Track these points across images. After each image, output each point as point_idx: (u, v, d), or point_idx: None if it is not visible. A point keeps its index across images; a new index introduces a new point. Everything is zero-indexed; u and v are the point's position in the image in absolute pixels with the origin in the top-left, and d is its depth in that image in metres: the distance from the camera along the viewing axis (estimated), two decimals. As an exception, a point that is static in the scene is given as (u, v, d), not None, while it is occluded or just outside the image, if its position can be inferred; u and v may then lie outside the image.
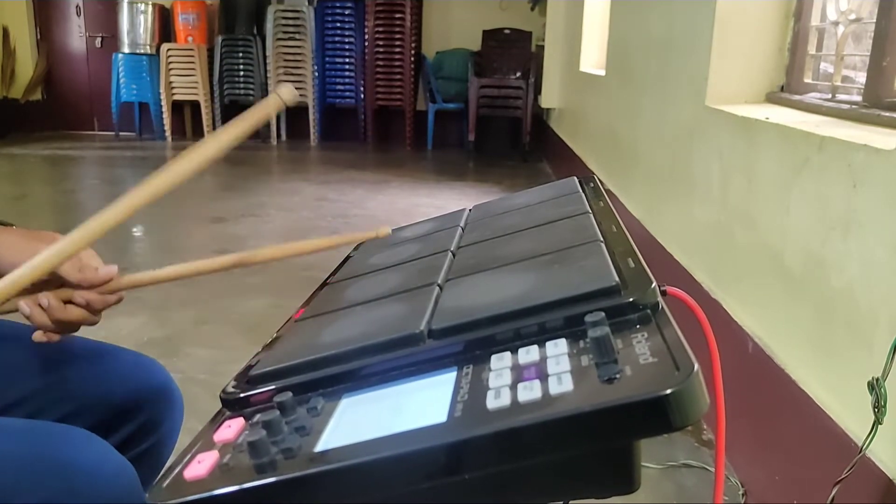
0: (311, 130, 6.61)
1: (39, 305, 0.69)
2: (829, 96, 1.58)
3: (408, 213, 3.95)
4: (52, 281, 0.70)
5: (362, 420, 0.45)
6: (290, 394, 0.47)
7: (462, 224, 0.81)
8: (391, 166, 5.60)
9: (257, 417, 0.49)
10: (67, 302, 0.71)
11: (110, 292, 0.73)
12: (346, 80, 6.67)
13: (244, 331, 2.30)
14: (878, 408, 0.94)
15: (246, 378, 0.54)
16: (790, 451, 1.31)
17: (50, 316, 0.70)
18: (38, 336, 0.71)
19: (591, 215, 0.69)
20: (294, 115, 6.62)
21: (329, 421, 0.46)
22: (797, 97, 1.69)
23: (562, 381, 0.40)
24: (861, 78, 1.48)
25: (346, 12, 6.45)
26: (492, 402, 0.41)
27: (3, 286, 0.61)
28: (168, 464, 0.48)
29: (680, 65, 2.13)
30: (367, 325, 0.56)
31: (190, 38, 6.41)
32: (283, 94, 0.67)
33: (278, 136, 6.71)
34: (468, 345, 0.49)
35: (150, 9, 6.40)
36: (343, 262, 0.83)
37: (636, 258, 0.54)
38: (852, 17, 1.53)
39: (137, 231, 3.75)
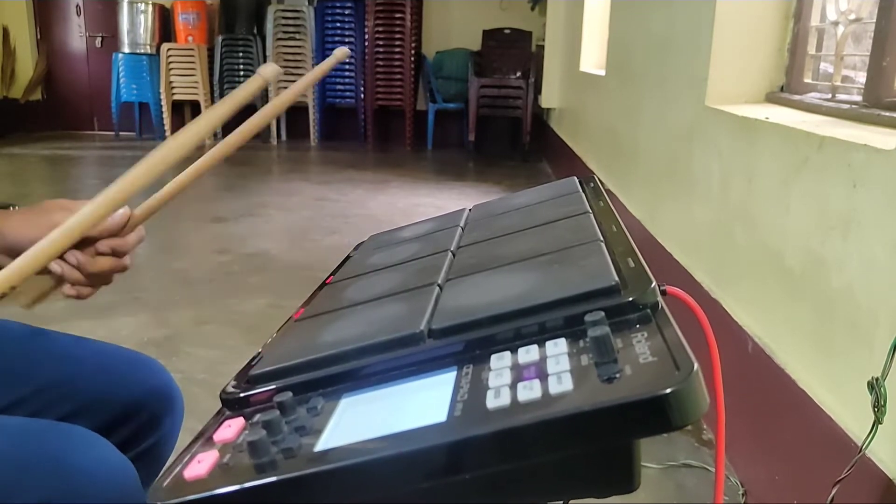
0: (311, 130, 6.61)
1: (69, 263, 0.71)
2: (829, 96, 1.58)
3: (408, 213, 3.95)
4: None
5: (362, 420, 0.45)
6: (290, 393, 0.47)
7: (462, 224, 0.81)
8: (391, 166, 5.60)
9: (257, 417, 0.49)
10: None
11: (128, 232, 0.74)
12: (346, 80, 6.66)
13: (244, 331, 2.30)
14: (878, 407, 0.94)
15: (246, 378, 0.54)
16: (790, 451, 1.31)
17: (82, 271, 0.71)
18: (68, 290, 0.72)
19: (591, 215, 0.69)
20: (294, 115, 6.62)
21: (329, 421, 0.46)
22: (797, 97, 1.69)
23: (562, 381, 0.40)
24: (861, 78, 1.48)
25: (346, 12, 6.45)
26: (492, 402, 0.41)
27: (19, 264, 0.62)
28: (168, 463, 0.48)
29: (680, 65, 2.13)
30: (367, 324, 0.56)
31: (190, 38, 6.41)
32: (266, 72, 0.68)
33: (278, 136, 6.71)
34: (468, 344, 0.49)
35: (150, 8, 6.40)
36: (343, 262, 0.83)
37: (636, 258, 0.54)
38: (852, 17, 1.53)
39: (137, 231, 3.74)
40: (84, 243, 0.71)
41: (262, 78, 0.69)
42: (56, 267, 0.70)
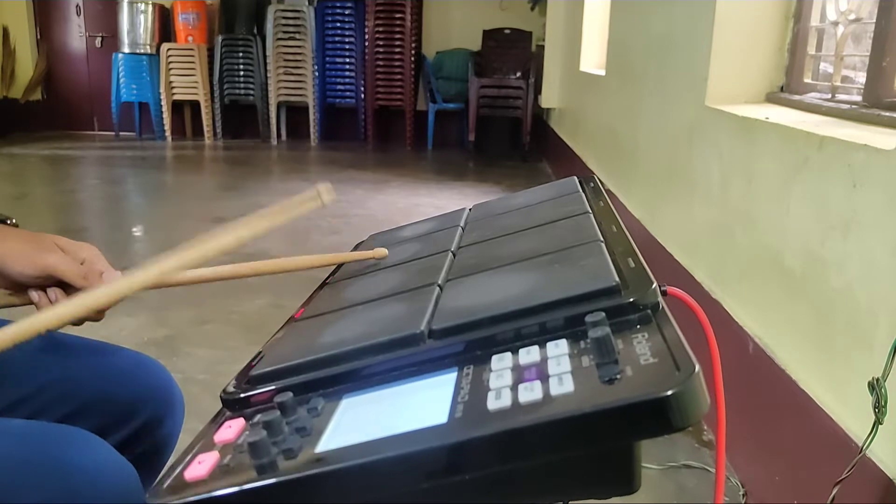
0: (311, 130, 6.61)
1: (48, 297, 0.72)
2: (829, 96, 1.58)
3: (408, 213, 3.95)
4: (59, 282, 0.72)
5: (363, 420, 0.45)
6: (290, 394, 0.47)
7: (462, 224, 0.81)
8: (391, 166, 5.60)
9: (258, 418, 0.49)
10: None
11: None
12: (346, 80, 6.66)
13: (244, 331, 2.30)
14: (879, 408, 0.94)
15: (246, 378, 0.54)
16: (790, 451, 1.31)
17: None
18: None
19: (591, 215, 0.69)
20: (294, 115, 6.62)
21: (329, 421, 0.46)
22: (797, 97, 1.69)
23: (562, 382, 0.40)
24: (861, 78, 1.48)
25: (346, 12, 6.44)
26: (492, 403, 0.41)
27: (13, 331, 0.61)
28: (168, 464, 0.48)
29: (680, 65, 2.13)
30: (367, 325, 0.56)
31: (190, 38, 6.40)
32: (326, 198, 0.72)
33: (278, 135, 6.71)
34: (469, 345, 0.49)
35: (150, 8, 6.39)
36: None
37: (636, 258, 0.54)
38: (852, 17, 1.53)
39: (137, 231, 3.75)
40: (69, 287, 0.72)
41: (321, 202, 0.72)
42: (34, 296, 0.72)
